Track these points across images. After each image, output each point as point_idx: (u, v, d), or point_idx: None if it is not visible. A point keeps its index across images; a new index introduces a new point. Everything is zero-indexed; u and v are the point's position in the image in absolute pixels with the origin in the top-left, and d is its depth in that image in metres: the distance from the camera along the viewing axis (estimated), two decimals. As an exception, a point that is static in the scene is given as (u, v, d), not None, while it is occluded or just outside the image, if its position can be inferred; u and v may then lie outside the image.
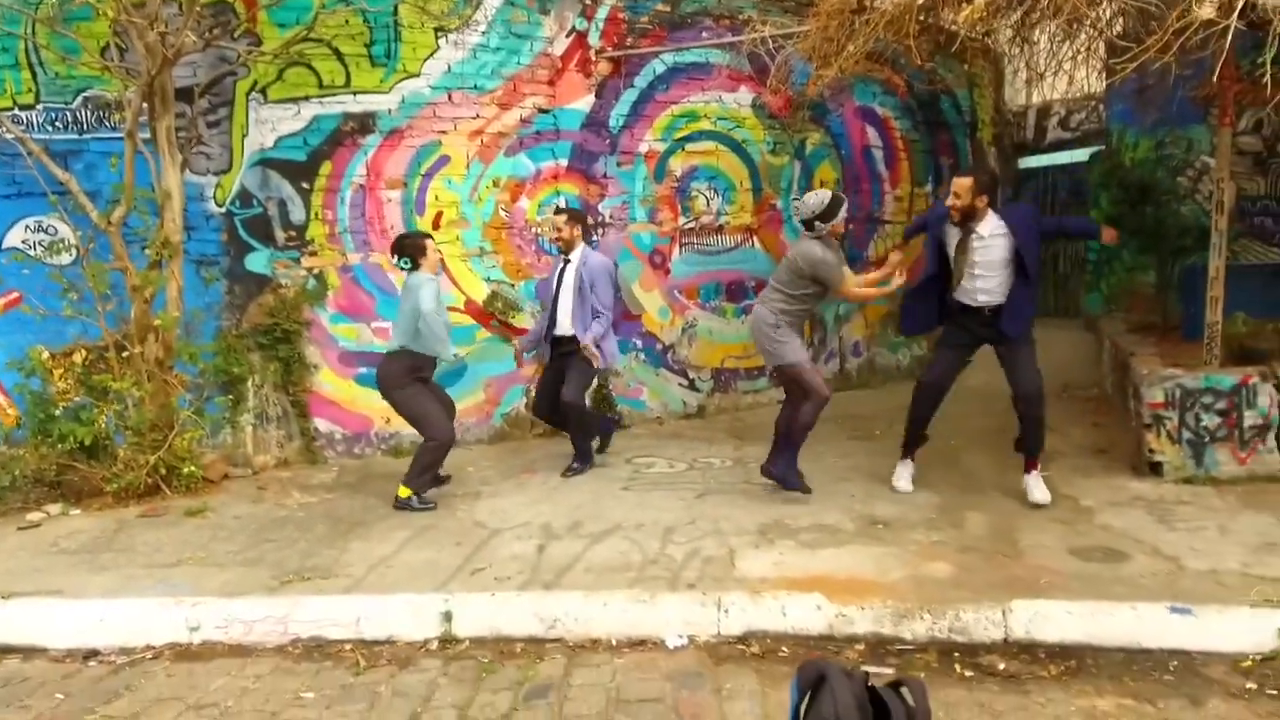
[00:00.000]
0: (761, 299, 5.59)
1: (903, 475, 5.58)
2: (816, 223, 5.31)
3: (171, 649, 3.97)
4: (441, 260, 6.06)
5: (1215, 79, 4.55)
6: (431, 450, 5.54)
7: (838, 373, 8.80)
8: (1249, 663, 3.44)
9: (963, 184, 5.12)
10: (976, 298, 5.22)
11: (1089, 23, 4.99)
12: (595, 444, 6.47)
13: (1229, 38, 4.00)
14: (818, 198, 5.35)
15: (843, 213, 5.32)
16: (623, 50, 7.39)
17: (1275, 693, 3.22)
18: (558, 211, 6.56)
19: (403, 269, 5.71)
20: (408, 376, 5.53)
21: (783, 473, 5.47)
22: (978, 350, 5.43)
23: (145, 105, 5.75)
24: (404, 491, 5.51)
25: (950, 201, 5.20)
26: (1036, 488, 5.21)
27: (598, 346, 6.00)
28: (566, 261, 6.19)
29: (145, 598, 4.23)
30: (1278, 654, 3.45)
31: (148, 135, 5.85)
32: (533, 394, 7.12)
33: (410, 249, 5.65)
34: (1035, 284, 5.27)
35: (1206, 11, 3.91)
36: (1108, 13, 4.82)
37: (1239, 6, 3.93)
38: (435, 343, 5.44)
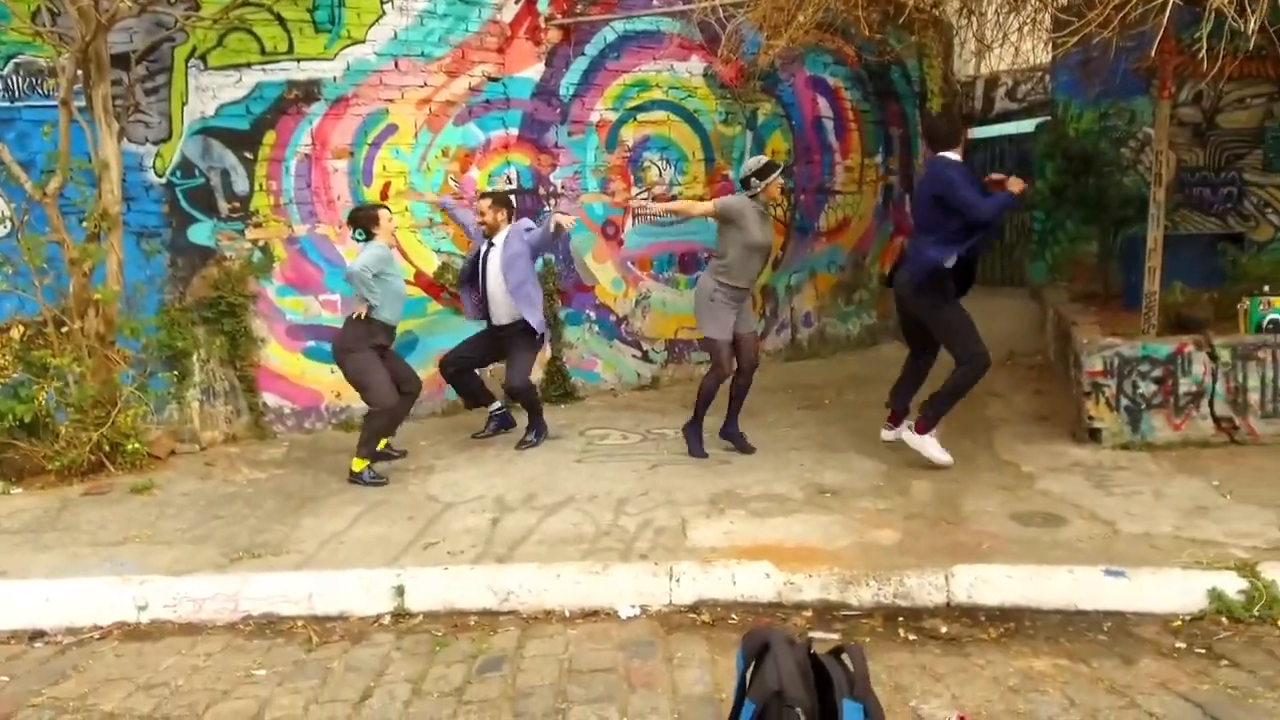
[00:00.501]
0: (708, 267, 5.86)
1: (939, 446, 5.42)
2: (752, 179, 5.60)
3: (120, 628, 3.93)
4: (394, 231, 5.99)
5: (1155, 53, 4.63)
6: (374, 417, 5.55)
7: (789, 343, 8.89)
8: (1179, 623, 3.57)
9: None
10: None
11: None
12: (490, 428, 6.42)
13: (1167, 13, 4.08)
14: (755, 159, 5.79)
15: (774, 176, 5.59)
16: (573, 17, 7.31)
17: (1203, 652, 3.35)
18: (482, 196, 6.45)
19: (358, 240, 5.67)
20: (360, 342, 5.53)
21: (693, 445, 5.83)
22: None
23: (80, 72, 5.57)
24: (357, 465, 5.50)
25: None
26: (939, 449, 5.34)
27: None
28: (490, 245, 6.09)
29: (92, 577, 4.18)
30: (1206, 614, 3.59)
31: (83, 103, 5.68)
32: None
33: (363, 220, 5.65)
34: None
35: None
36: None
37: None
38: (366, 294, 5.46)
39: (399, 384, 5.67)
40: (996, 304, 10.05)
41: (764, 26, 6.50)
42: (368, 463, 5.51)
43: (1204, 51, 4.20)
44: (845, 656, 2.30)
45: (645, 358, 7.97)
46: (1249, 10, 4.05)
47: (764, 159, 5.74)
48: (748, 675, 2.37)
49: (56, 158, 5.61)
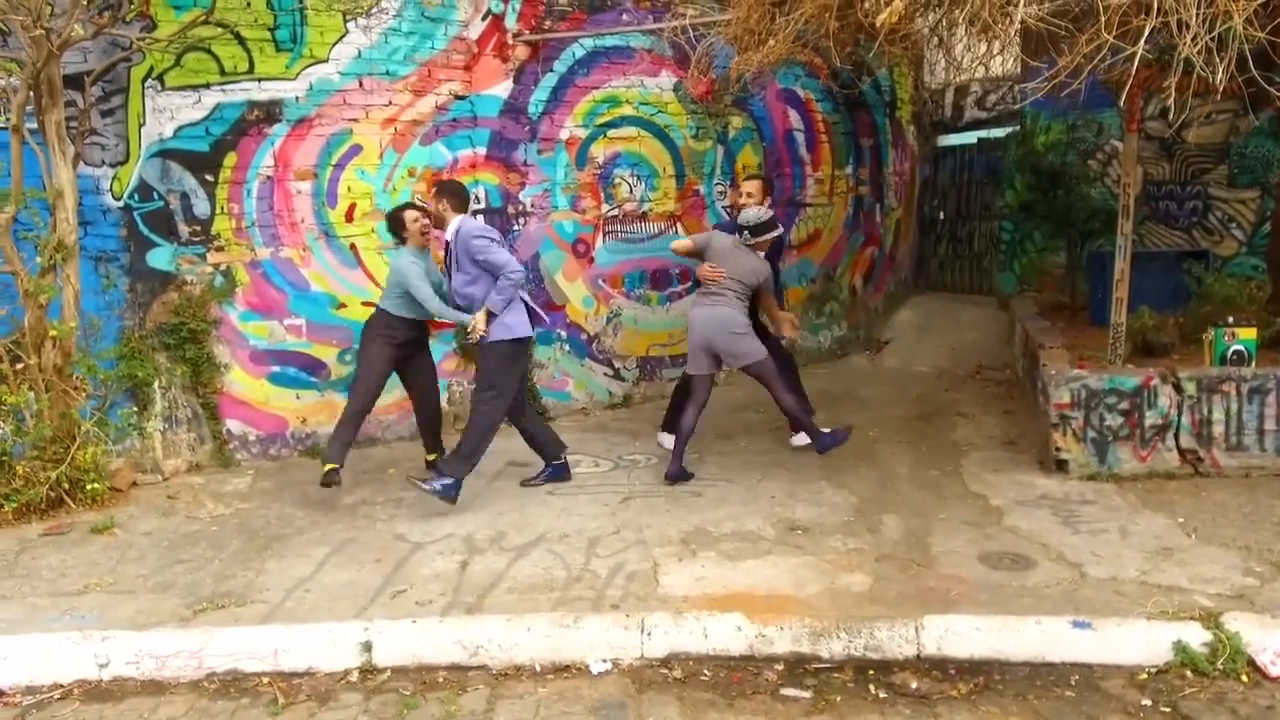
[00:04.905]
0: (727, 300, 5.81)
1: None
2: (745, 232, 5.82)
3: (80, 687, 3.85)
4: (424, 231, 5.78)
5: (1124, 98, 4.63)
6: (350, 419, 5.69)
7: (760, 355, 8.87)
8: (1144, 676, 3.61)
9: (755, 185, 6.14)
10: None
11: (1002, 29, 5.02)
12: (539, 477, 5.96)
13: (1135, 62, 4.08)
14: (755, 214, 5.88)
15: (767, 237, 5.85)
16: (541, 34, 7.20)
17: (1168, 710, 3.39)
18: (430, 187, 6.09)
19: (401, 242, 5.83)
20: (375, 331, 5.72)
21: (819, 444, 5.96)
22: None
23: (31, 96, 5.40)
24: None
25: (741, 200, 6.10)
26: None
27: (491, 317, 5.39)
28: (448, 241, 5.62)
29: (52, 632, 4.08)
30: (1171, 667, 3.63)
31: (34, 126, 5.52)
32: (454, 389, 7.03)
33: (391, 225, 5.84)
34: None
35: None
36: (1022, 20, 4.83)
37: (1145, 33, 4.00)
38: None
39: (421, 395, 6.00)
40: (966, 314, 10.11)
41: (736, 45, 6.44)
42: (332, 467, 5.52)
43: (1173, 96, 4.19)
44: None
45: (617, 376, 7.93)
46: (1217, 58, 4.05)
47: (766, 215, 5.87)
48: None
49: (9, 187, 5.43)
